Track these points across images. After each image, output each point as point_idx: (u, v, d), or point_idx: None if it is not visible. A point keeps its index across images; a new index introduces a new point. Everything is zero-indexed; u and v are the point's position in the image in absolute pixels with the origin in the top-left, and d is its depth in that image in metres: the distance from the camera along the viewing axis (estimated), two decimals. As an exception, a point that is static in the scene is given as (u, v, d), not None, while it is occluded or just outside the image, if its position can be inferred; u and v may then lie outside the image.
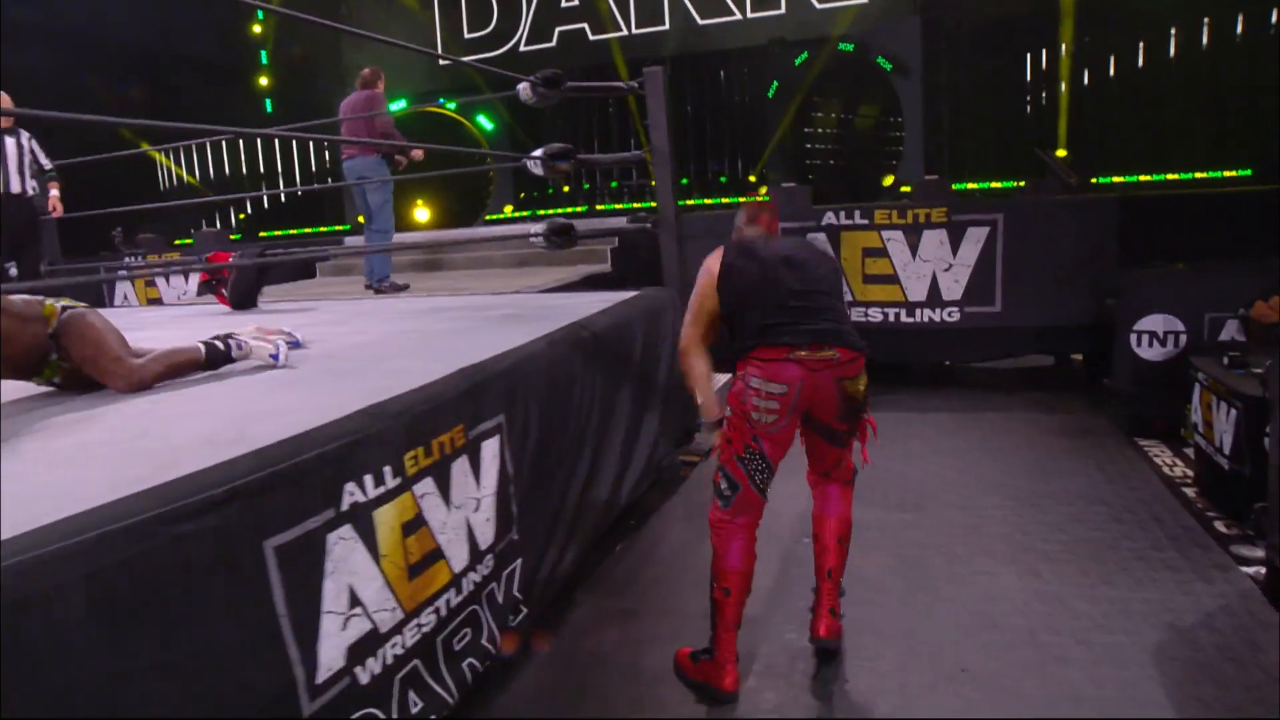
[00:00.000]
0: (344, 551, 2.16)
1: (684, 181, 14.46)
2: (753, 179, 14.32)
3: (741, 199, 11.92)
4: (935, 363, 7.57)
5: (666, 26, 15.10)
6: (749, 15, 14.15)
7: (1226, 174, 9.81)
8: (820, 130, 14.59)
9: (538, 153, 4.78)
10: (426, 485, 2.54)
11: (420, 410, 2.54)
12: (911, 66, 11.97)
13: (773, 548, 3.76)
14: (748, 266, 2.83)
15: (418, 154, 7.46)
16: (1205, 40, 10.59)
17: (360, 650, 2.19)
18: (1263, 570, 3.46)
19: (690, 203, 13.91)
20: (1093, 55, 11.24)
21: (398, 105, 13.66)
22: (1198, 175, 9.85)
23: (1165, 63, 10.74)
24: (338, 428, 2.23)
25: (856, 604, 3.33)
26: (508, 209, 15.75)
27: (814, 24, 13.17)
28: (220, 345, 3.14)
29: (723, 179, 14.80)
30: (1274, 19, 10.23)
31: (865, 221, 7.01)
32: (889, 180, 12.80)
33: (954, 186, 8.45)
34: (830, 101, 14.25)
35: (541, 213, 14.25)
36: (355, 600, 2.19)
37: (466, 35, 15.95)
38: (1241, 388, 3.67)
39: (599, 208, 14.80)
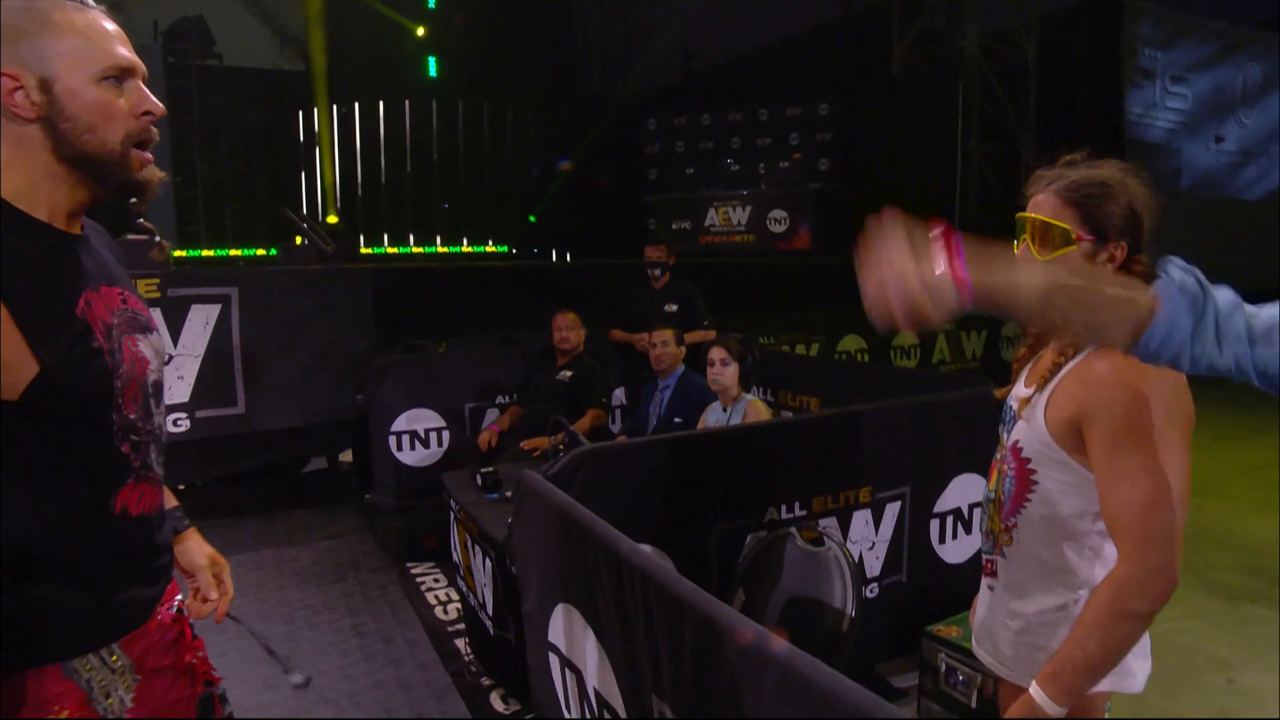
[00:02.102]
0: None
1: None
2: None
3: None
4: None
5: None
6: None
7: (489, 249, 10.13)
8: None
9: None
10: None
11: None
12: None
13: None
14: None
15: None
16: (462, 124, 10.95)
17: None
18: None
19: None
20: (364, 122, 10.70)
21: None
22: (465, 249, 9.97)
23: (428, 140, 10.78)
24: None
25: None
26: None
27: None
28: None
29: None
30: (513, 113, 11.04)
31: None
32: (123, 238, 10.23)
33: (189, 253, 6.73)
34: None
35: None
36: None
37: None
38: (492, 530, 2.68)
39: None
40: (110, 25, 1.20)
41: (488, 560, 2.76)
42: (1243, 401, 8.38)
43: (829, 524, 2.63)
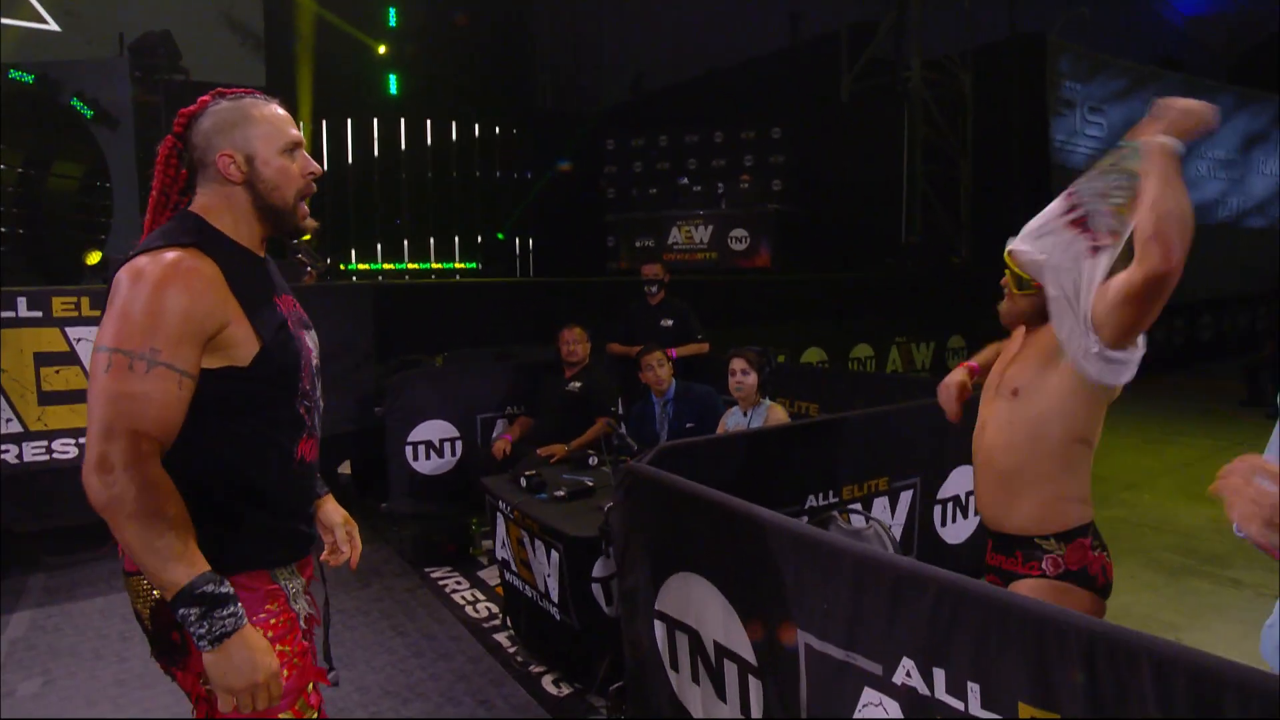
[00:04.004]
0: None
1: None
2: None
3: None
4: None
5: None
6: None
7: (459, 265, 10.32)
8: (-8, 186, 10.80)
9: None
10: None
11: None
12: (120, 116, 9.52)
13: None
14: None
15: None
16: (430, 142, 11.12)
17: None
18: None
19: None
20: (332, 140, 10.77)
21: None
22: (435, 266, 10.14)
23: (396, 158, 10.92)
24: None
25: None
26: None
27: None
28: None
29: None
30: (477, 131, 11.25)
31: (38, 314, 4.74)
32: (95, 257, 10.01)
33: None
34: (9, 150, 10.67)
35: None
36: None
37: None
38: (562, 527, 2.97)
39: None
40: (283, 111, 1.67)
41: (553, 552, 3.04)
42: (1168, 407, 9.21)
43: (854, 509, 3.00)
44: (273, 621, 1.54)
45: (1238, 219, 14.96)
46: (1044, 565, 1.92)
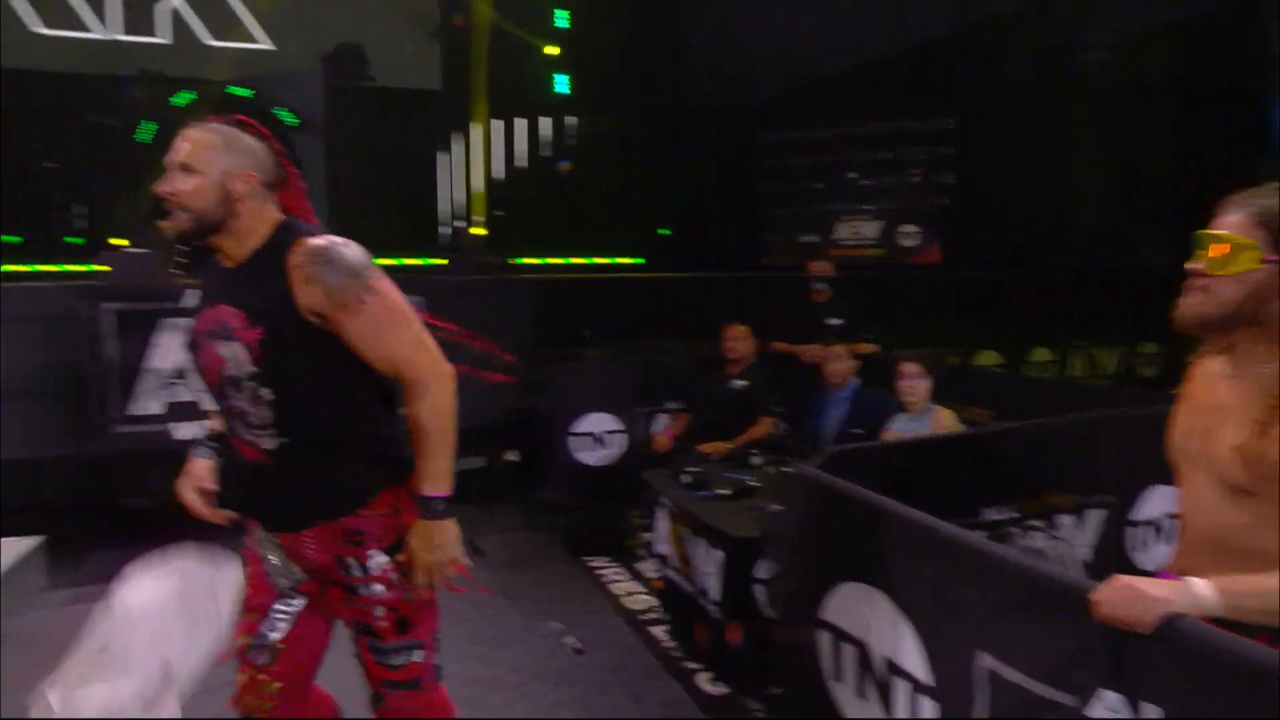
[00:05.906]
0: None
1: (15, 240, 10.58)
2: (121, 241, 11.13)
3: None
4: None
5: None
6: (114, 35, 11.09)
7: (621, 260, 10.52)
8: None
9: None
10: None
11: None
12: (316, 123, 10.42)
13: None
14: None
15: None
16: (593, 139, 11.42)
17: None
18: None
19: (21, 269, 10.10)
20: (508, 137, 11.31)
21: None
22: (597, 260, 10.38)
23: (562, 154, 11.31)
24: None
25: None
26: None
27: (198, 61, 10.85)
28: None
29: (74, 239, 11.20)
30: (638, 127, 11.38)
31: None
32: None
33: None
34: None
35: None
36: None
37: None
38: (725, 527, 2.95)
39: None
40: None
41: (715, 551, 3.03)
42: None
43: (1035, 525, 2.80)
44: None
45: None
46: None
